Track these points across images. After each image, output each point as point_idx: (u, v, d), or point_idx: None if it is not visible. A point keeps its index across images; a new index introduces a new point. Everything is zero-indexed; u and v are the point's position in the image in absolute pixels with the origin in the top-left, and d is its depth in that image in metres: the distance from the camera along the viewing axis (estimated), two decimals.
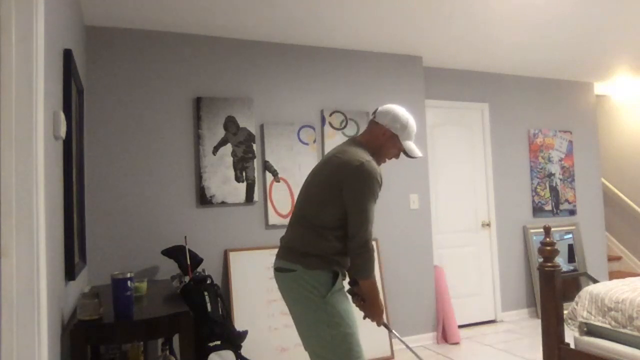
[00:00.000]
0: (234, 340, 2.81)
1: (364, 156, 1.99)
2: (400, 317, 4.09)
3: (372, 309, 2.03)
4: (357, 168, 1.93)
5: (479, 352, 3.93)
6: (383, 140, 2.12)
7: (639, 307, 2.41)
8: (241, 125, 3.68)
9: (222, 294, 3.13)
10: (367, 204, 1.92)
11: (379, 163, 2.15)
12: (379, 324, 2.09)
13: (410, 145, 2.13)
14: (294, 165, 3.82)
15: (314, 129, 3.92)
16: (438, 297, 4.25)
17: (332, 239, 1.96)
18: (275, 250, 3.65)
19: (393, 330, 2.20)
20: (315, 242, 1.96)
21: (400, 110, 2.13)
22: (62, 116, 1.95)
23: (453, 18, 3.52)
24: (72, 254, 2.14)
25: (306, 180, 2.13)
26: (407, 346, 2.23)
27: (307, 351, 2.00)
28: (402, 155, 2.36)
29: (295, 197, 3.80)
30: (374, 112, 2.16)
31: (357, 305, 2.09)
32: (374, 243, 3.94)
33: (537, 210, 5.16)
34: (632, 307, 2.44)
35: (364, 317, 2.10)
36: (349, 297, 2.07)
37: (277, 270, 2.04)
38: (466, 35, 3.88)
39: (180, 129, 3.53)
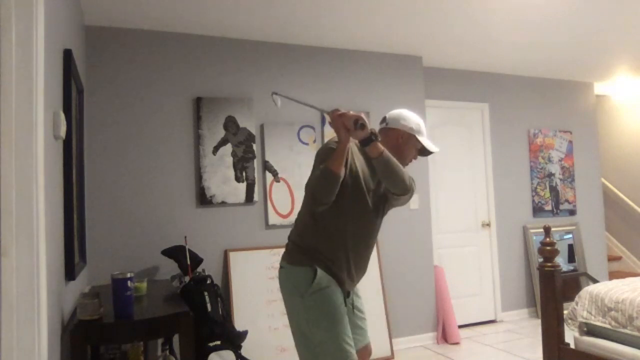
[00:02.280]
0: (234, 340, 2.81)
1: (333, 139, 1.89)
2: (400, 317, 4.09)
3: (344, 123, 1.78)
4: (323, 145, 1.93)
5: (479, 352, 3.93)
6: (401, 143, 2.08)
7: (639, 307, 2.41)
8: (241, 125, 3.68)
9: (222, 294, 3.13)
10: (316, 167, 1.86)
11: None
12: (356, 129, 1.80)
13: (426, 141, 2.12)
14: (294, 165, 3.82)
15: (314, 129, 3.92)
16: (438, 297, 4.25)
17: (315, 230, 1.90)
18: (275, 250, 3.66)
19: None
20: (301, 231, 1.94)
21: (407, 111, 2.14)
22: (62, 116, 1.95)
23: (453, 18, 3.52)
24: (72, 254, 2.14)
25: None
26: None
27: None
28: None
29: (295, 197, 3.80)
30: (383, 121, 2.13)
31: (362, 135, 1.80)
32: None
33: (537, 210, 5.16)
34: (632, 307, 2.44)
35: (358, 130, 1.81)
36: (336, 298, 1.89)
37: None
38: (466, 35, 3.88)
39: (180, 129, 3.53)
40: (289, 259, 1.92)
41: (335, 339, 1.81)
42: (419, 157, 2.20)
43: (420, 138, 2.10)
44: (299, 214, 2.00)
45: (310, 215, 1.91)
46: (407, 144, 2.09)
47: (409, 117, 2.11)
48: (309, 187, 1.84)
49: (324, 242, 1.90)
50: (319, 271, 1.86)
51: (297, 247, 1.93)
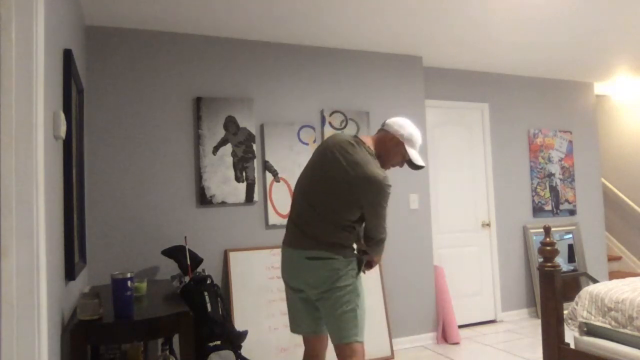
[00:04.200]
0: (234, 340, 2.81)
1: (379, 167, 2.23)
2: (400, 317, 4.09)
3: (373, 266, 2.46)
4: (377, 182, 2.16)
5: (479, 352, 3.93)
6: (390, 146, 2.33)
7: (639, 307, 2.41)
8: (241, 125, 3.68)
9: (222, 294, 3.13)
10: (384, 211, 2.22)
11: (385, 169, 2.35)
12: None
13: (414, 153, 2.34)
14: (294, 165, 3.82)
15: (314, 129, 3.92)
16: (438, 297, 4.25)
17: (355, 232, 2.27)
18: (276, 250, 3.65)
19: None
20: (346, 236, 2.22)
21: (407, 121, 2.36)
22: (62, 116, 1.95)
23: (453, 18, 3.52)
24: (72, 254, 2.14)
25: (322, 181, 2.23)
26: None
27: (330, 327, 2.21)
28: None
29: None
30: (384, 123, 2.37)
31: (364, 268, 2.42)
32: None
33: (537, 210, 5.16)
34: (632, 307, 2.44)
35: (364, 272, 2.47)
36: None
37: (313, 259, 2.19)
38: (466, 35, 3.88)
39: (180, 129, 3.53)
40: (343, 254, 2.21)
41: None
42: (412, 171, 2.49)
43: (408, 148, 2.32)
44: (340, 222, 2.20)
45: (352, 225, 2.25)
46: (393, 149, 2.32)
47: (405, 126, 2.33)
48: (383, 235, 2.29)
49: (354, 240, 2.30)
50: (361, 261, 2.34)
51: (346, 245, 2.24)
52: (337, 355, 2.19)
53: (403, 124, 2.32)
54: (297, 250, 2.23)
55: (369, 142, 2.31)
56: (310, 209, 2.23)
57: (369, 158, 2.22)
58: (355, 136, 2.30)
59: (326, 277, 2.17)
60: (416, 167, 2.34)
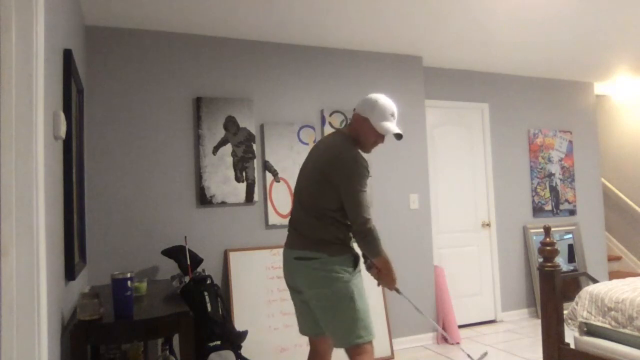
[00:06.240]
0: (234, 340, 2.81)
1: (349, 147, 2.17)
2: (400, 317, 4.09)
3: (387, 278, 2.25)
4: (343, 159, 2.12)
5: (479, 352, 3.93)
6: (359, 124, 2.25)
7: (639, 307, 2.41)
8: (241, 125, 3.68)
9: (222, 294, 3.13)
10: (359, 195, 2.11)
11: (367, 151, 2.30)
12: (391, 289, 2.31)
13: (384, 124, 2.22)
14: (294, 165, 3.82)
15: (314, 129, 3.92)
16: (438, 297, 4.25)
17: (342, 227, 2.18)
18: (276, 250, 3.66)
19: (403, 294, 2.40)
20: (330, 231, 2.16)
21: (373, 95, 2.25)
22: (62, 116, 1.95)
23: (453, 18, 3.52)
24: (72, 254, 2.14)
25: (304, 173, 2.30)
26: (417, 308, 2.52)
27: (328, 331, 2.17)
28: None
29: None
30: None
31: (372, 275, 2.31)
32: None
33: (537, 210, 5.16)
34: (632, 307, 2.44)
35: (378, 285, 2.37)
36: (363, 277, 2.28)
37: (298, 259, 2.18)
38: (466, 35, 3.88)
39: (180, 129, 3.53)
40: (328, 252, 2.13)
41: (369, 311, 2.17)
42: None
43: (376, 123, 2.21)
44: (322, 213, 2.16)
45: (334, 217, 2.17)
46: (363, 127, 2.25)
47: (367, 99, 2.24)
48: (366, 226, 2.10)
49: (348, 235, 2.22)
50: (359, 256, 2.25)
51: (332, 241, 2.16)
52: (348, 357, 2.16)
53: (368, 99, 2.24)
54: (289, 250, 2.26)
55: (347, 130, 2.32)
56: (299, 207, 2.27)
57: (343, 142, 2.20)
58: (339, 129, 2.35)
59: (310, 278, 2.15)
60: (396, 136, 2.25)
